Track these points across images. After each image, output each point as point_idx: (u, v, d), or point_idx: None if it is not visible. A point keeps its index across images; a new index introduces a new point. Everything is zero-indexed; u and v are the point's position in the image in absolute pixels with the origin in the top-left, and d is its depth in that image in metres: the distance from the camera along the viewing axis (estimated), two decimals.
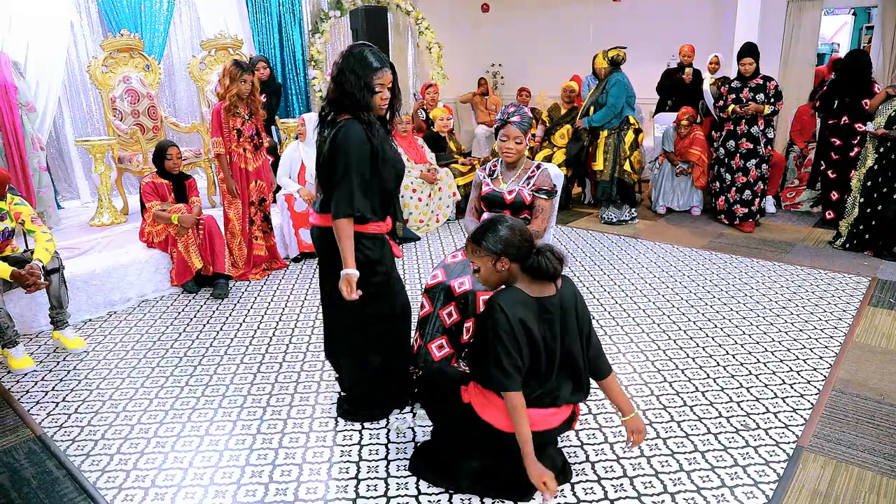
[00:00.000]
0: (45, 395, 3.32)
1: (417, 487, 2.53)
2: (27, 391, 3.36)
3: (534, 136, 6.99)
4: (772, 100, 5.80)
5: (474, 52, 9.98)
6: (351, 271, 2.55)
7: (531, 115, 3.35)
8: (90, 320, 4.23)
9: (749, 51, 5.87)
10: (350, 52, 2.58)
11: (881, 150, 5.11)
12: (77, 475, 2.66)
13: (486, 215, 3.36)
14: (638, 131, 6.35)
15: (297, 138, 5.51)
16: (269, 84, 6.21)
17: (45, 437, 2.94)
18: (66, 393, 3.33)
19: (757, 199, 6.04)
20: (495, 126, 3.38)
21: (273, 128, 6.44)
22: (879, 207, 5.17)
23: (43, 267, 3.58)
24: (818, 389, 3.21)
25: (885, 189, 5.12)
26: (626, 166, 6.30)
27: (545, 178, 3.31)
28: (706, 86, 7.13)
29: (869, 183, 5.18)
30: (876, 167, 5.14)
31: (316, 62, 7.69)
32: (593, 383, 2.50)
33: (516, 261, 2.29)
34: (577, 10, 8.98)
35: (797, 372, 3.39)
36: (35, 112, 5.03)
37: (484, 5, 9.26)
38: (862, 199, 5.24)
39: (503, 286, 2.35)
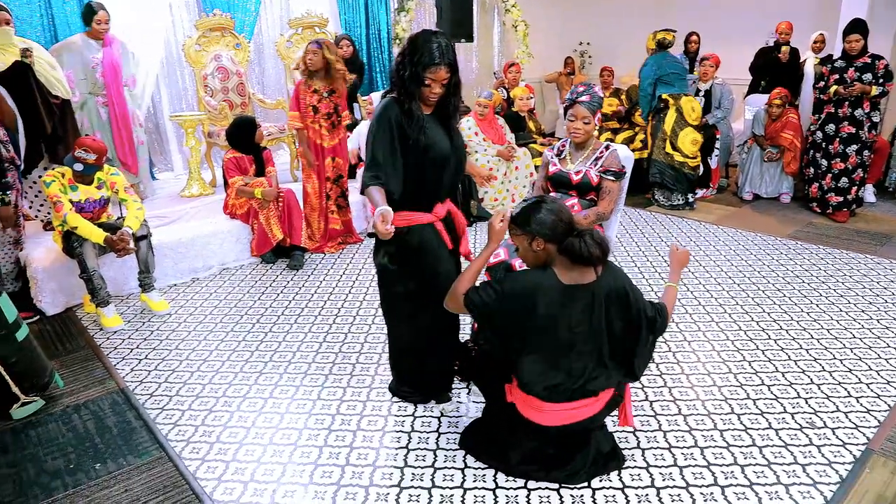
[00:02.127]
0: (131, 351, 3.58)
1: (465, 461, 2.58)
2: (115, 347, 3.64)
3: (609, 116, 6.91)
4: (880, 80, 5.40)
5: (561, 30, 9.79)
6: (383, 207, 2.40)
7: (601, 96, 3.29)
8: (175, 285, 4.50)
9: (856, 27, 5.47)
10: (415, 39, 2.51)
11: None
12: (152, 426, 2.87)
13: (552, 195, 3.34)
14: (679, 110, 5.95)
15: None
16: (352, 62, 6.33)
17: (127, 390, 3.18)
18: (148, 351, 3.58)
19: (854, 188, 5.67)
20: (564, 106, 3.33)
21: (355, 105, 6.57)
22: None
23: (133, 234, 3.85)
24: None
25: None
26: (668, 148, 6.00)
27: (614, 159, 3.25)
28: (809, 67, 6.73)
29: None
30: None
31: (401, 40, 7.75)
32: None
33: (552, 242, 2.26)
34: None
35: (877, 371, 3.19)
36: (136, 87, 5.34)
37: None
38: None
39: (543, 267, 2.33)
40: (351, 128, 5.75)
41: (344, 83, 4.98)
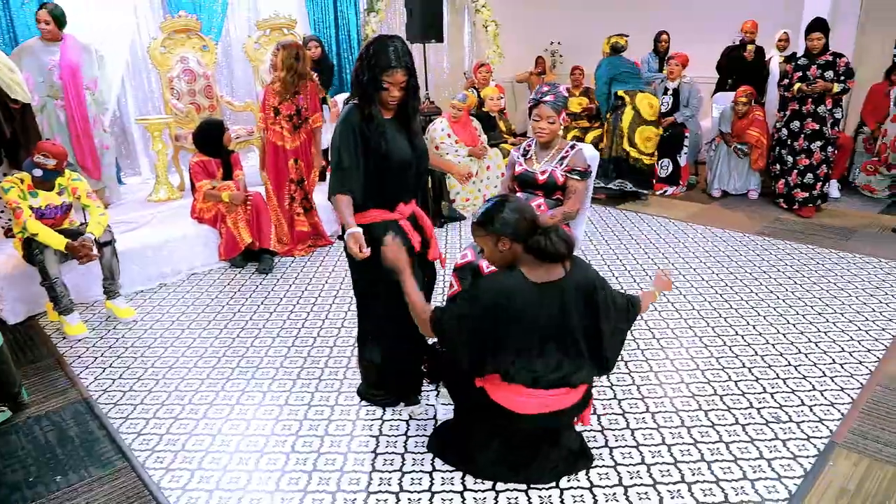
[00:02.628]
0: (95, 360, 3.52)
1: (433, 464, 2.57)
2: (79, 356, 3.57)
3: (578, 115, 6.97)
4: (842, 77, 5.48)
5: (532, 30, 9.80)
6: (353, 230, 2.48)
7: (565, 95, 3.29)
8: (142, 291, 4.43)
9: (818, 25, 5.55)
10: (371, 44, 2.54)
11: None
12: (115, 436, 2.82)
13: (519, 195, 3.34)
14: (636, 108, 6.07)
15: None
16: (320, 63, 6.29)
17: (90, 400, 3.12)
18: (113, 359, 3.52)
19: (819, 183, 5.75)
20: (529, 105, 3.33)
21: (325, 106, 6.52)
22: None
23: (95, 240, 3.78)
24: (861, 384, 3.07)
25: None
26: (625, 144, 6.08)
27: (579, 158, 3.26)
28: (774, 65, 6.82)
29: None
30: None
31: None
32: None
33: (517, 241, 2.26)
34: None
35: (840, 364, 3.24)
36: (98, 90, 5.24)
37: None
38: None
39: (510, 267, 2.33)
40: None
41: (314, 84, 4.94)
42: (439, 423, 2.82)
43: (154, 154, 5.63)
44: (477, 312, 2.26)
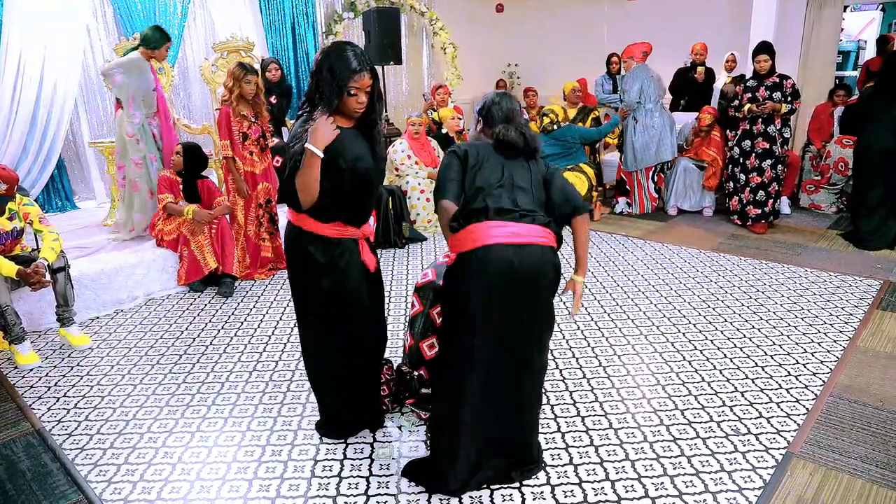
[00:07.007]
0: (48, 390, 3.41)
1: (398, 486, 2.55)
2: (31, 386, 3.45)
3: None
4: (789, 98, 5.70)
5: (490, 52, 9.97)
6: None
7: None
8: (97, 318, 4.32)
9: (764, 48, 5.77)
10: (330, 50, 2.41)
11: None
12: (70, 468, 2.73)
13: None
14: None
15: None
16: (280, 85, 6.28)
17: (43, 431, 3.01)
18: (67, 388, 3.41)
19: (771, 200, 5.94)
20: None
21: (284, 129, 6.50)
22: None
23: (48, 266, 3.68)
24: (815, 394, 3.15)
25: None
26: None
27: None
28: (718, 84, 7.05)
29: None
30: None
31: None
32: None
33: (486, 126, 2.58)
34: (592, 9, 8.91)
35: (795, 376, 3.33)
36: None
37: (498, 5, 9.25)
38: None
39: None
40: (279, 151, 5.63)
41: (264, 105, 4.90)
42: (406, 461, 2.71)
43: (109, 177, 5.53)
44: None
